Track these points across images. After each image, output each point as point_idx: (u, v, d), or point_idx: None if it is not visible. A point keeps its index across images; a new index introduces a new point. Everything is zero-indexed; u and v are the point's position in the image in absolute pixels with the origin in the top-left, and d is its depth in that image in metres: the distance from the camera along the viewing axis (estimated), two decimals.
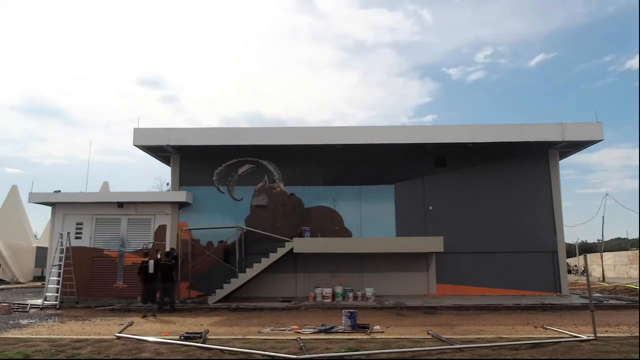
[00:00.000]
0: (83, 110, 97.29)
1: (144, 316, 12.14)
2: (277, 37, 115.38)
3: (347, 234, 16.91)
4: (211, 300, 14.41)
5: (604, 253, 30.67)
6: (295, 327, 9.65)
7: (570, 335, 8.13)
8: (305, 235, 16.11)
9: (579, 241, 37.70)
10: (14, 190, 27.57)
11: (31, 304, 14.42)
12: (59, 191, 17.07)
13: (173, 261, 13.94)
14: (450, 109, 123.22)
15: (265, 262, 15.02)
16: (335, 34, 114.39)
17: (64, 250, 15.49)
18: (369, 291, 15.37)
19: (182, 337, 8.01)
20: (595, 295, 16.24)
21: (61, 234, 15.89)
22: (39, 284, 23.53)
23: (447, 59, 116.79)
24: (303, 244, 15.35)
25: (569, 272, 18.56)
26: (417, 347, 7.08)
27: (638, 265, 27.65)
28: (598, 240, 37.65)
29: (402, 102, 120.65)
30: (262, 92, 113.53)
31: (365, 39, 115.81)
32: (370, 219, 16.99)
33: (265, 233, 16.07)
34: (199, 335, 8.08)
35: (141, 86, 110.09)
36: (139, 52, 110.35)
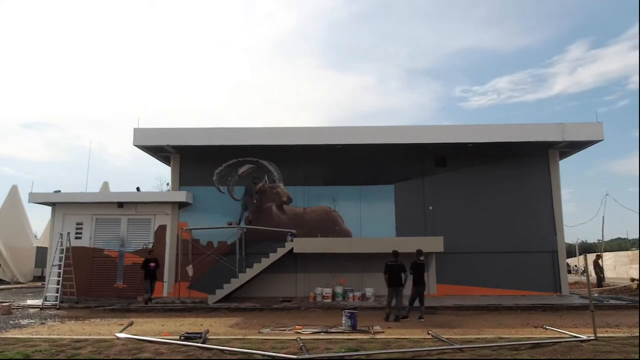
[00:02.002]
0: (82, 108, 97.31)
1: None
2: None
3: (347, 234, 16.91)
4: (211, 300, 14.39)
5: (604, 253, 30.66)
6: (297, 327, 9.65)
7: (571, 335, 8.13)
8: (289, 238, 15.51)
9: (579, 241, 37.72)
10: (14, 190, 27.55)
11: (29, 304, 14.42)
12: (59, 191, 17.07)
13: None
14: None
15: (265, 262, 15.01)
16: None
17: (64, 250, 15.49)
18: (369, 291, 15.36)
19: (182, 337, 8.00)
20: (595, 295, 16.24)
21: (61, 234, 15.89)
22: (39, 284, 23.52)
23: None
24: (303, 244, 15.34)
25: (569, 272, 18.53)
26: (417, 347, 7.07)
27: (638, 266, 27.65)
28: (598, 240, 37.69)
29: None
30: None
31: None
32: (370, 219, 16.98)
33: (256, 227, 16.08)
34: (199, 336, 8.07)
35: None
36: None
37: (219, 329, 10.02)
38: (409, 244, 15.77)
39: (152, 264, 15.08)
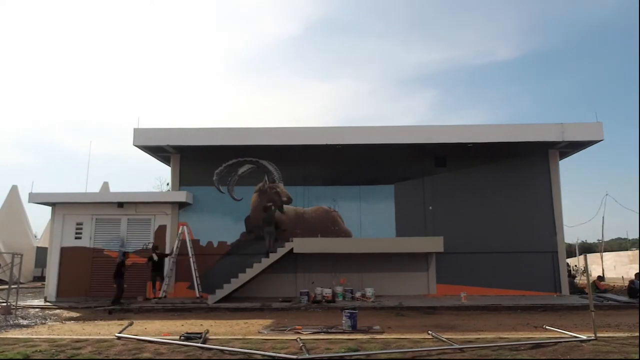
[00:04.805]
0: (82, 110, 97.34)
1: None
2: None
3: (347, 234, 16.91)
4: (211, 300, 14.40)
5: (604, 253, 30.64)
6: (297, 327, 9.65)
7: (571, 335, 8.13)
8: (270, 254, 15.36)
9: (579, 241, 37.67)
10: (14, 190, 27.54)
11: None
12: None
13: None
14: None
15: (265, 262, 15.02)
16: None
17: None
18: (369, 291, 15.35)
19: (182, 337, 8.01)
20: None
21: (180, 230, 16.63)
22: (39, 284, 23.52)
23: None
24: (303, 244, 15.33)
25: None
26: (417, 347, 7.08)
27: (638, 265, 27.63)
28: (598, 240, 37.65)
29: None
30: None
31: None
32: (370, 219, 16.98)
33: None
34: (199, 336, 8.08)
35: None
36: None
37: (220, 328, 9.99)
38: (409, 244, 15.88)
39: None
